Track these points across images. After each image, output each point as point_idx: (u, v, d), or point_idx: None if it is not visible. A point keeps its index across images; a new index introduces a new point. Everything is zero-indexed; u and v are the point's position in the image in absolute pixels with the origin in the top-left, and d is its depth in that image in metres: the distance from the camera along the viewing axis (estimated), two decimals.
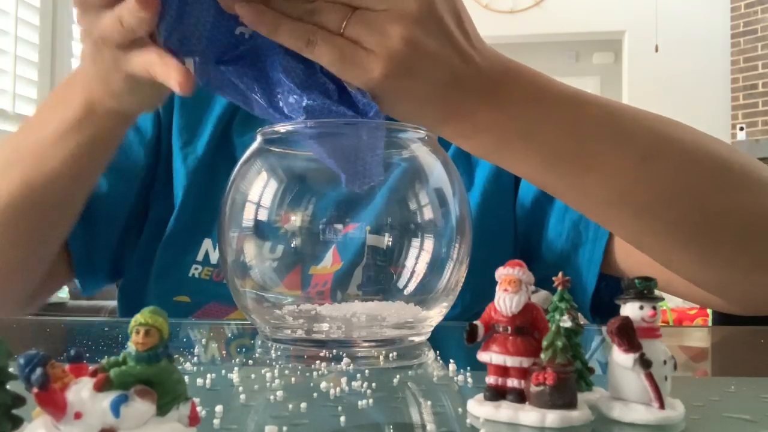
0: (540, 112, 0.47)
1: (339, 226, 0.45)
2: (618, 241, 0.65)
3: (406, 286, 0.45)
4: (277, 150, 0.48)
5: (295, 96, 0.46)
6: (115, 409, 0.20)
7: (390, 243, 0.45)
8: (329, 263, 0.46)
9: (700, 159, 0.51)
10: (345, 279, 0.47)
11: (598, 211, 0.53)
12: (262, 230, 0.45)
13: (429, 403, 0.31)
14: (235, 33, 0.47)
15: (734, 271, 0.54)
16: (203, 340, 0.50)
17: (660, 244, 0.53)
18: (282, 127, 0.46)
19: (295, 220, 0.44)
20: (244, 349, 0.48)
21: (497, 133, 0.47)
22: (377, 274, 0.46)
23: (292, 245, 0.45)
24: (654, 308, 0.28)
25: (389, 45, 0.42)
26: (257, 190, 0.45)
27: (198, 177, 0.72)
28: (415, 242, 0.45)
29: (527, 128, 0.47)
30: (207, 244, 0.70)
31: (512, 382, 0.28)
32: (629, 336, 0.27)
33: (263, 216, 0.45)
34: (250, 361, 0.42)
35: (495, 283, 0.30)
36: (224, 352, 0.48)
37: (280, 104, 0.47)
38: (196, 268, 0.69)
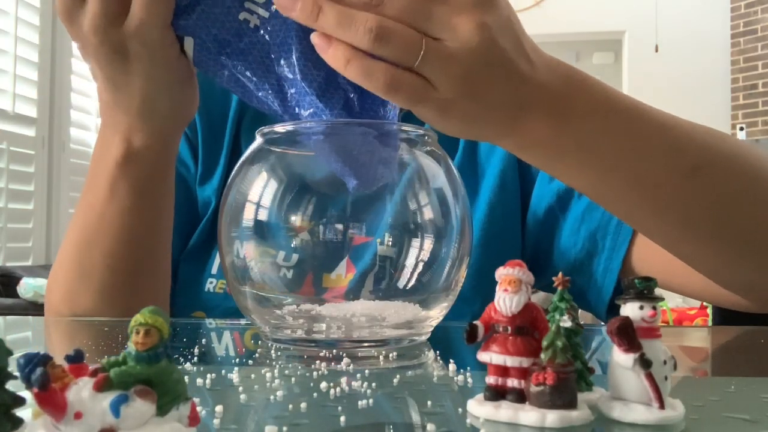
0: (598, 125, 0.47)
1: (352, 236, 0.44)
2: (636, 250, 0.66)
3: (407, 286, 0.45)
4: (278, 150, 0.48)
5: (313, 108, 0.45)
6: (115, 409, 0.20)
7: (399, 248, 0.45)
8: (343, 272, 0.46)
9: (741, 170, 0.53)
10: (358, 286, 0.47)
11: (643, 221, 0.54)
12: (273, 239, 0.45)
13: (429, 403, 0.31)
14: (239, 18, 0.46)
15: (765, 272, 0.56)
16: (203, 340, 0.50)
17: (699, 252, 0.55)
18: (282, 127, 0.46)
19: (308, 230, 0.44)
20: (243, 349, 0.48)
21: (555, 146, 0.47)
22: (387, 278, 0.46)
23: (306, 256, 0.45)
24: (654, 308, 0.28)
25: (454, 83, 0.42)
26: (263, 193, 0.45)
27: (216, 194, 0.74)
28: (420, 244, 0.45)
29: (585, 142, 0.47)
30: None
31: (512, 382, 0.28)
32: (629, 336, 0.27)
33: (275, 225, 0.45)
34: (250, 361, 0.42)
35: None
36: (224, 352, 0.48)
37: (297, 110, 0.47)
38: (211, 282, 0.70)
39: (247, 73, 0.47)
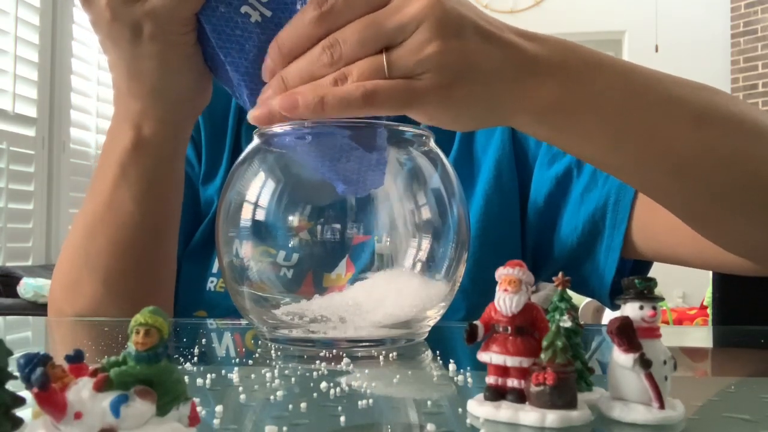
0: (602, 83, 0.47)
1: (352, 236, 0.44)
2: (636, 225, 0.66)
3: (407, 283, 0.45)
4: (276, 150, 0.48)
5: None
6: (115, 409, 0.20)
7: (397, 246, 0.45)
8: (343, 271, 0.46)
9: (743, 121, 0.52)
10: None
11: (658, 184, 0.53)
12: (274, 239, 0.45)
13: (429, 403, 0.31)
14: (240, 11, 0.46)
15: None
16: (204, 340, 0.50)
17: (712, 211, 0.54)
18: (280, 128, 0.46)
19: (309, 230, 0.44)
20: (243, 349, 0.48)
21: (569, 108, 0.46)
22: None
23: (306, 255, 0.45)
24: (654, 308, 0.28)
25: (433, 62, 0.41)
26: (263, 193, 0.45)
27: (218, 193, 0.74)
28: (418, 244, 0.45)
29: (594, 100, 0.47)
30: None
31: (512, 382, 0.28)
32: (629, 336, 0.27)
33: (276, 225, 0.45)
34: (250, 361, 0.42)
35: None
36: (224, 352, 0.48)
37: None
38: (212, 281, 0.70)
39: (239, 68, 0.47)
